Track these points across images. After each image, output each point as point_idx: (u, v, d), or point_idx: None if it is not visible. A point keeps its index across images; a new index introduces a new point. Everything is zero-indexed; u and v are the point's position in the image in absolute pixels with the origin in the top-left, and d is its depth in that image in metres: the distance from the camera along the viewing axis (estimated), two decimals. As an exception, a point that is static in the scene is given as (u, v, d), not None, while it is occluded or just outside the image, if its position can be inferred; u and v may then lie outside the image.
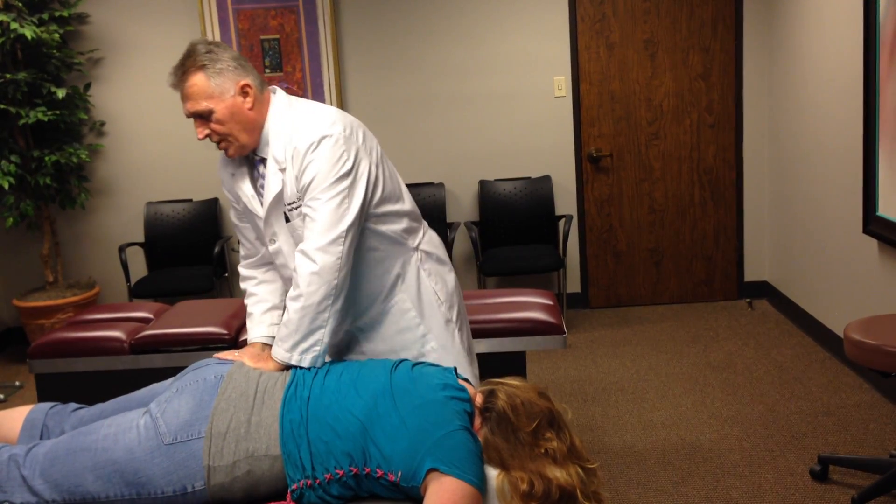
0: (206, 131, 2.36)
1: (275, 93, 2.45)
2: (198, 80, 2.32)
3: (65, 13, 5.25)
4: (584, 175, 5.67)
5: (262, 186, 2.42)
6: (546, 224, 5.61)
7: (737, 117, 5.59)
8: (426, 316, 2.51)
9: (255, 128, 2.39)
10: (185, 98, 2.35)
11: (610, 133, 5.62)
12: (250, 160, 2.48)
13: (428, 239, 2.60)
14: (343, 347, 2.58)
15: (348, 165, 2.30)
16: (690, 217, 5.72)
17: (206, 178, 5.67)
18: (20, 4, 5.01)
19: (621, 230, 5.74)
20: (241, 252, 2.65)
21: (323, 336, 2.30)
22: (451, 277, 2.61)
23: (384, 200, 2.43)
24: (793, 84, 5.03)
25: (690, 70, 5.55)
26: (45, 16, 5.17)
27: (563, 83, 5.57)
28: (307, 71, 5.54)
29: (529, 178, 5.64)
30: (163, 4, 5.53)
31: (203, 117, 2.35)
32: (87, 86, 5.48)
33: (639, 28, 5.52)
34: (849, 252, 4.34)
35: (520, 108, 5.62)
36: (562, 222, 5.56)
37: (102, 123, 5.64)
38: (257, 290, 2.60)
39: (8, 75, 4.94)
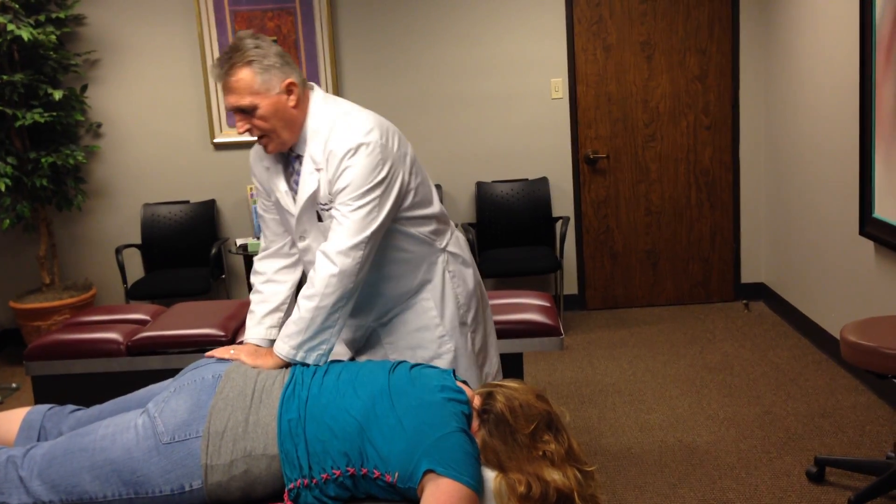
0: (248, 126, 2.36)
1: (313, 90, 2.45)
2: (244, 75, 2.31)
3: (61, 15, 5.25)
4: (580, 177, 5.67)
5: (297, 183, 2.43)
6: (543, 226, 5.61)
7: (733, 119, 5.60)
8: (446, 317, 2.53)
9: (297, 125, 2.39)
10: (228, 91, 2.34)
11: (607, 135, 5.63)
12: (285, 156, 2.48)
13: (455, 240, 2.62)
14: (362, 343, 2.61)
15: (382, 175, 2.31)
16: (687, 219, 5.72)
17: (203, 180, 5.67)
18: (17, 6, 5.00)
19: (618, 232, 5.74)
20: (262, 243, 2.66)
21: (331, 336, 2.31)
22: (472, 280, 2.63)
23: (415, 205, 2.45)
24: (789, 86, 5.03)
25: (687, 72, 5.55)
26: (42, 17, 5.16)
27: (559, 85, 5.57)
28: (304, 72, 5.53)
29: (526, 179, 5.64)
30: (160, 6, 5.52)
31: (246, 112, 2.34)
32: (84, 87, 5.48)
33: (635, 30, 5.52)
34: (845, 254, 4.34)
35: (516, 109, 5.62)
36: (558, 224, 5.57)
37: (99, 125, 5.63)
38: (264, 288, 2.60)
39: (4, 77, 4.94)
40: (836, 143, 4.37)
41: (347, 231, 2.28)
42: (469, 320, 2.58)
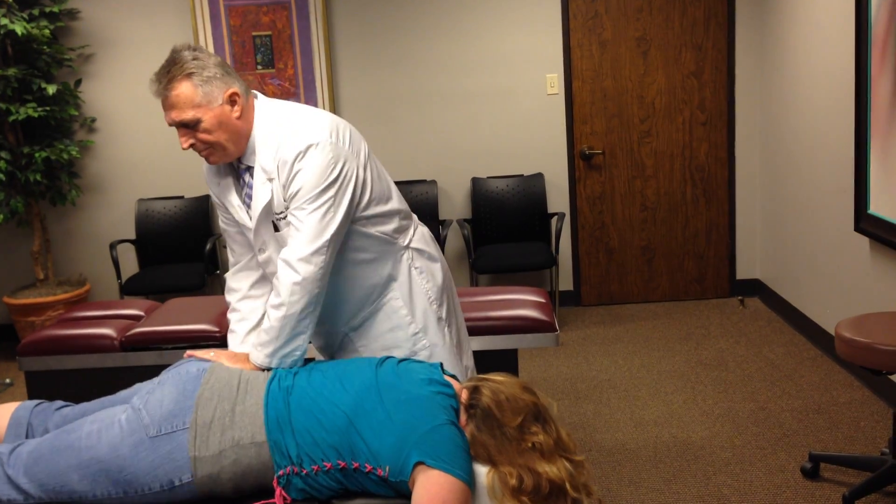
0: (191, 140, 2.29)
1: (257, 98, 2.39)
2: (185, 89, 2.25)
3: (55, 9, 5.23)
4: (576, 172, 5.67)
5: (249, 196, 2.38)
6: (538, 222, 5.61)
7: (729, 115, 5.60)
8: (417, 315, 2.50)
9: (242, 136, 2.33)
10: (169, 107, 2.27)
11: (602, 130, 5.62)
12: (235, 168, 2.42)
13: (419, 235, 2.57)
14: (336, 348, 2.57)
15: (335, 174, 2.27)
16: (682, 215, 5.72)
17: (197, 175, 5.65)
18: (10, 0, 4.98)
19: (613, 228, 5.74)
20: (231, 258, 2.60)
21: (303, 341, 2.30)
22: (440, 274, 2.59)
23: (372, 202, 2.39)
24: (785, 82, 5.03)
25: (683, 68, 5.55)
26: (36, 11, 5.14)
27: (555, 80, 5.57)
28: (299, 67, 5.52)
29: (522, 175, 5.64)
30: (154, 1, 5.50)
31: (189, 126, 2.28)
32: (78, 82, 5.46)
33: (631, 25, 5.52)
34: (840, 250, 4.35)
35: (512, 105, 5.61)
36: (554, 220, 5.56)
37: (93, 120, 5.61)
38: (241, 306, 2.55)
39: (-2, 71, 4.92)
40: (832, 139, 4.37)
41: (306, 236, 2.24)
42: (444, 315, 2.56)
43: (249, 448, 2.05)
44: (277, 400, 2.10)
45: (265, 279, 2.54)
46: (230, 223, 2.53)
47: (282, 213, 2.32)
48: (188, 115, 2.26)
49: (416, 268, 2.52)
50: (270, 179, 2.31)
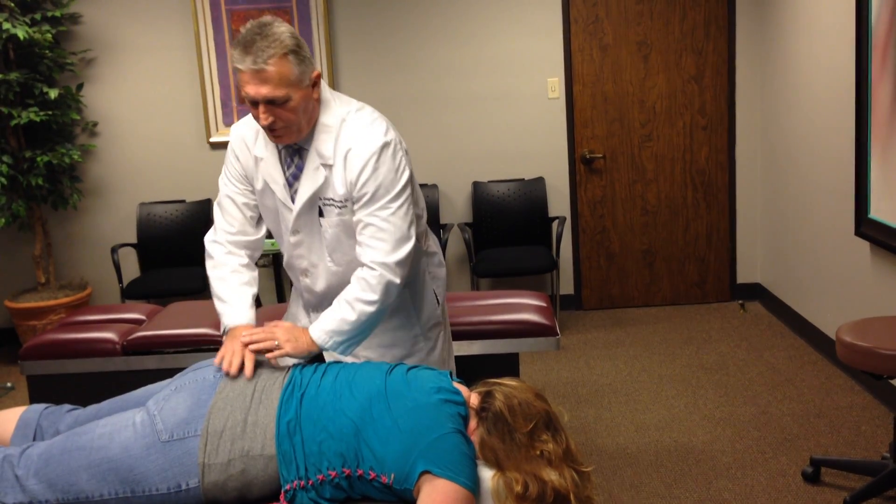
0: (272, 118, 2.21)
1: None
2: (284, 66, 2.17)
3: (57, 13, 5.24)
4: (577, 176, 5.67)
5: (294, 177, 2.37)
6: (539, 225, 5.61)
7: (729, 119, 5.60)
8: (422, 318, 2.54)
9: (313, 119, 2.32)
10: (261, 81, 2.17)
11: (603, 134, 5.63)
12: (278, 147, 2.39)
13: (433, 240, 2.64)
14: None
15: (407, 172, 2.33)
16: (683, 219, 5.72)
17: (198, 179, 5.66)
18: (12, 4, 4.99)
19: (614, 232, 5.74)
20: (224, 227, 2.50)
21: (370, 332, 2.36)
22: (444, 278, 2.65)
23: (414, 203, 2.44)
24: (785, 86, 5.04)
25: (683, 72, 5.56)
26: (38, 16, 5.15)
27: (556, 84, 5.57)
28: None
29: (523, 179, 5.64)
30: (156, 5, 5.51)
31: (275, 103, 2.20)
32: (80, 86, 5.47)
33: (632, 30, 5.52)
34: (841, 254, 4.35)
35: (513, 109, 5.62)
36: (555, 224, 5.57)
37: (95, 124, 5.62)
38: (235, 277, 2.47)
39: (0, 75, 4.93)
40: (832, 143, 4.37)
41: (396, 237, 2.28)
42: (443, 319, 2.61)
43: (258, 460, 2.06)
44: (289, 411, 2.09)
45: (248, 266, 2.49)
46: (244, 194, 2.47)
47: (340, 201, 2.32)
48: (281, 92, 2.18)
49: (429, 272, 2.56)
50: (327, 165, 2.31)
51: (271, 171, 2.39)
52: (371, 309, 2.28)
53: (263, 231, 2.54)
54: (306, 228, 2.41)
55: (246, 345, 2.23)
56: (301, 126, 2.28)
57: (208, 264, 2.52)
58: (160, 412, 2.11)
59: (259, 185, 2.44)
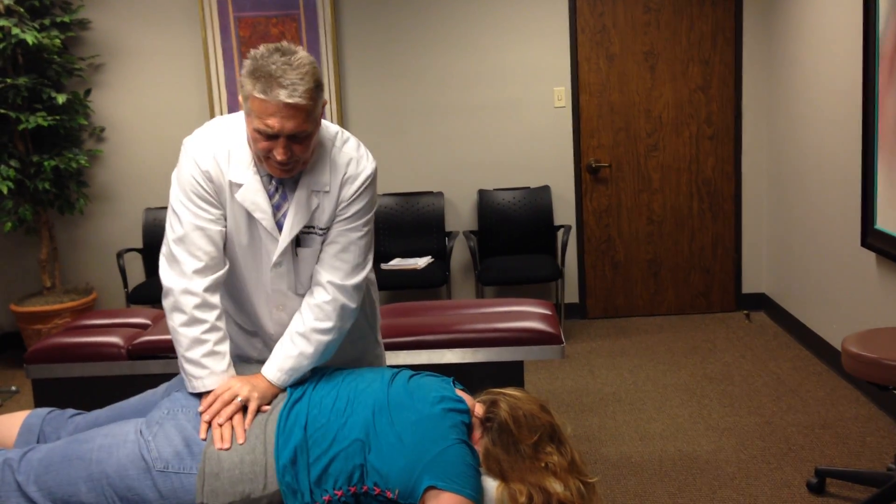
0: (289, 154, 2.07)
1: None
2: (314, 99, 2.04)
3: (66, 19, 5.26)
4: (583, 185, 5.68)
5: (277, 206, 2.23)
6: (545, 234, 5.61)
7: (736, 129, 5.61)
8: (375, 327, 2.62)
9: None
10: (290, 115, 2.01)
11: (609, 144, 5.63)
12: (259, 175, 2.22)
13: None
14: None
15: (376, 200, 2.37)
16: (689, 228, 5.72)
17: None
18: (22, 10, 5.01)
19: (620, 241, 5.74)
20: (192, 267, 2.21)
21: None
22: (374, 279, 2.67)
23: None
24: (792, 97, 5.04)
25: (690, 82, 5.56)
26: (47, 21, 5.18)
27: (562, 94, 5.58)
28: (307, 79, 5.54)
29: (528, 188, 5.64)
30: (164, 11, 5.54)
31: (296, 138, 2.06)
32: (88, 91, 5.49)
33: (639, 40, 5.53)
34: (847, 265, 4.34)
35: (519, 118, 5.63)
36: (560, 232, 5.57)
37: (102, 129, 5.64)
38: (221, 325, 2.25)
39: (8, 80, 4.95)
40: (839, 154, 4.37)
41: (356, 261, 2.29)
42: (378, 327, 2.66)
43: (261, 500, 2.03)
44: (289, 442, 2.05)
45: (220, 318, 2.24)
46: (217, 221, 2.23)
47: (319, 228, 2.25)
48: (309, 126, 2.06)
49: (372, 283, 2.57)
50: (319, 192, 2.22)
51: (255, 198, 2.19)
52: (328, 338, 2.27)
53: (227, 266, 2.29)
54: (286, 259, 2.27)
55: (212, 417, 2.11)
56: (308, 160, 2.17)
57: (176, 319, 2.20)
58: (154, 439, 2.07)
59: (234, 214, 2.23)
